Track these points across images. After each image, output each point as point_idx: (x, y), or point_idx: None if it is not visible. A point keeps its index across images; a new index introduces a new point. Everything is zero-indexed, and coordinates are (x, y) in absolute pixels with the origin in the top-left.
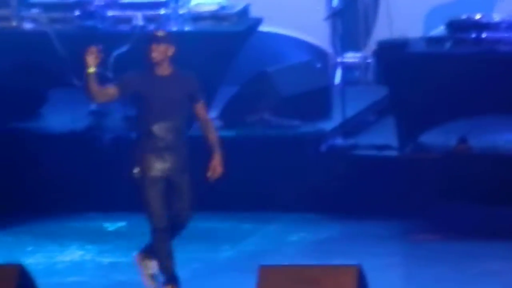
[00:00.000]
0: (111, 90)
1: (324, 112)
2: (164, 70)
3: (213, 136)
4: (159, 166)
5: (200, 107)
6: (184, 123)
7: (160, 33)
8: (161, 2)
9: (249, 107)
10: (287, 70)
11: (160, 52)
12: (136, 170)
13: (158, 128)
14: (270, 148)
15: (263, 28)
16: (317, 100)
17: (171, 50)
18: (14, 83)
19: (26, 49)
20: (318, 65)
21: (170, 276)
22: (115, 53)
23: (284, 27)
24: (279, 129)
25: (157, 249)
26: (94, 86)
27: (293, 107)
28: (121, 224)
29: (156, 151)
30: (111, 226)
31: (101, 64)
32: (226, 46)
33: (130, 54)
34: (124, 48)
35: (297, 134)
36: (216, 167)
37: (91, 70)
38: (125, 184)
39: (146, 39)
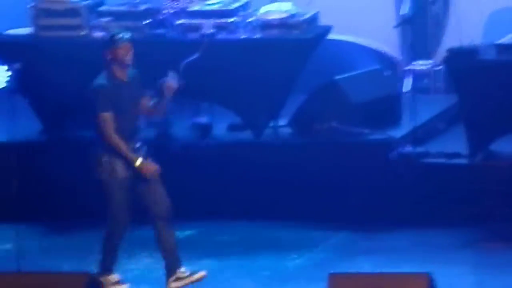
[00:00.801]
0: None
1: (393, 120)
2: (125, 73)
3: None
4: (125, 169)
5: (144, 101)
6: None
7: (124, 35)
8: (230, 10)
9: (318, 115)
10: (356, 78)
11: (129, 53)
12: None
13: (123, 130)
14: (339, 156)
15: (333, 36)
16: (386, 108)
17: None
18: (85, 91)
19: (96, 57)
20: (388, 73)
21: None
22: (185, 61)
23: (353, 35)
24: (348, 137)
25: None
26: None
27: (362, 115)
28: (190, 232)
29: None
30: (180, 234)
31: (171, 72)
32: (295, 54)
33: (200, 62)
34: (193, 56)
35: (366, 142)
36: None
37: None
38: (194, 192)
39: (113, 42)
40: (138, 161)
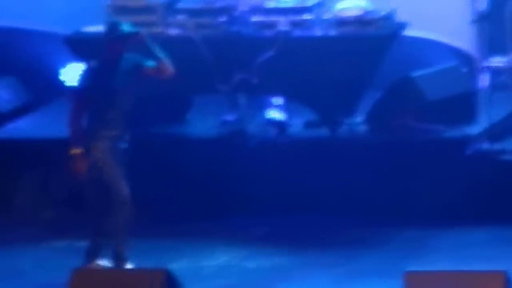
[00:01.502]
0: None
1: (469, 116)
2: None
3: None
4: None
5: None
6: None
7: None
8: (305, 7)
9: (394, 112)
10: (433, 74)
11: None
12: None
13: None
14: (414, 152)
15: (409, 32)
16: (462, 105)
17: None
18: (161, 89)
19: (172, 54)
20: (464, 70)
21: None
22: (260, 58)
23: (429, 31)
24: (423, 134)
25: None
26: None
27: (438, 112)
28: (264, 228)
29: (109, 139)
30: (255, 230)
31: (247, 70)
32: (371, 50)
33: (275, 59)
34: (268, 54)
35: (442, 139)
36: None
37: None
38: (270, 188)
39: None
40: (78, 150)
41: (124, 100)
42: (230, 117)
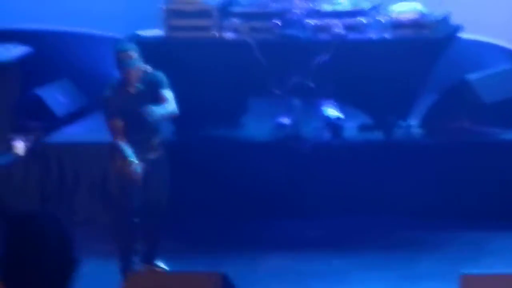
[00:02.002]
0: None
1: None
2: (134, 87)
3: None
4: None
5: (163, 93)
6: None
7: (129, 54)
8: (361, 10)
9: (449, 115)
10: (489, 77)
11: (132, 76)
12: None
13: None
14: (470, 155)
15: (464, 35)
16: None
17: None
18: (216, 92)
19: (227, 58)
20: None
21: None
22: (315, 62)
23: (485, 34)
24: (479, 136)
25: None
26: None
27: (494, 115)
28: (321, 231)
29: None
30: (311, 233)
31: (302, 73)
32: (426, 53)
33: (330, 63)
34: (323, 57)
35: (498, 142)
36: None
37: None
38: (325, 192)
39: (117, 60)
40: (127, 161)
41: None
42: (285, 120)
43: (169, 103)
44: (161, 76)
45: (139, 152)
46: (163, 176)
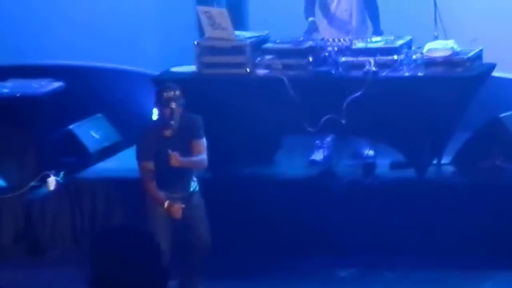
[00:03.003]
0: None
1: None
2: (172, 131)
3: (194, 158)
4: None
5: (196, 144)
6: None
7: (175, 93)
8: (393, 47)
9: (482, 153)
10: None
11: (176, 114)
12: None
13: (165, 172)
14: (504, 195)
15: (497, 73)
16: None
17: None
18: (249, 129)
19: (260, 95)
20: None
21: None
22: (348, 99)
23: None
24: None
25: None
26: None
27: None
28: (353, 269)
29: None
30: (343, 271)
31: (335, 111)
32: (459, 91)
33: (363, 100)
34: (356, 94)
35: None
36: (175, 157)
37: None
38: (358, 230)
39: (160, 101)
40: (165, 204)
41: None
42: (318, 157)
43: (200, 157)
44: (199, 121)
45: (174, 193)
46: (201, 216)
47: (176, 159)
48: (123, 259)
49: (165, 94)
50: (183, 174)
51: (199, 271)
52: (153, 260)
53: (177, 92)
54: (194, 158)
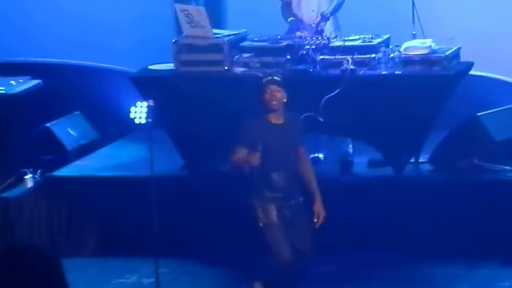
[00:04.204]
0: (245, 155)
1: None
2: (280, 117)
3: (314, 180)
4: (277, 215)
5: (302, 150)
6: (297, 167)
7: (278, 78)
8: (371, 46)
9: (460, 152)
10: (499, 114)
11: (277, 98)
12: (260, 223)
13: (277, 177)
14: (480, 193)
15: (475, 71)
16: None
17: (285, 96)
18: (228, 127)
19: (238, 93)
20: None
21: None
22: (326, 97)
23: (495, 71)
24: (489, 174)
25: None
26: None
27: (505, 152)
28: (330, 267)
29: (275, 201)
30: (321, 269)
31: (312, 109)
32: (436, 90)
33: (341, 98)
34: (334, 92)
35: (509, 179)
36: (319, 212)
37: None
38: (335, 227)
39: (263, 84)
40: (252, 156)
41: (292, 162)
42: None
43: (311, 168)
44: (302, 122)
45: (282, 201)
46: (308, 223)
47: (320, 214)
48: (17, 279)
49: (264, 79)
50: (293, 168)
51: (301, 275)
52: (52, 279)
53: (278, 77)
54: (313, 179)
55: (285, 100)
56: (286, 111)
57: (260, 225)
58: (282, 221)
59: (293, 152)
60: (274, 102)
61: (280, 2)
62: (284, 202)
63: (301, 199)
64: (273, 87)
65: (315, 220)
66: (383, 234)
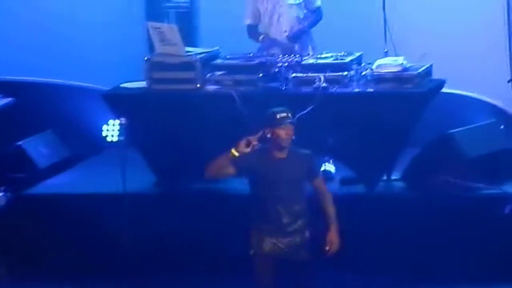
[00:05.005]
0: (230, 169)
1: (509, 174)
2: (284, 153)
3: (331, 209)
4: (271, 247)
5: (318, 183)
6: (303, 205)
7: (288, 114)
8: (343, 63)
9: (432, 169)
10: (471, 131)
11: (289, 135)
12: (251, 252)
13: (275, 212)
14: (453, 210)
15: (447, 89)
16: (502, 162)
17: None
18: (200, 145)
19: (210, 111)
20: (502, 127)
21: None
22: (298, 114)
23: (467, 88)
24: (462, 191)
25: None
26: (223, 163)
27: (477, 169)
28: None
29: (271, 234)
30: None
31: None
32: (409, 107)
33: (313, 116)
34: (306, 110)
35: (481, 197)
36: (333, 240)
37: (235, 154)
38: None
39: (274, 121)
40: (234, 150)
41: (296, 197)
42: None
43: (330, 197)
44: (312, 157)
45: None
46: (308, 258)
47: (333, 244)
48: None
49: (278, 115)
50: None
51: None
52: None
53: (290, 114)
54: (331, 208)
55: (293, 136)
56: (291, 146)
57: (251, 252)
58: (279, 254)
59: (297, 187)
60: (286, 141)
61: (246, 26)
62: (283, 237)
63: (307, 235)
64: (289, 126)
65: (327, 248)
66: (354, 252)
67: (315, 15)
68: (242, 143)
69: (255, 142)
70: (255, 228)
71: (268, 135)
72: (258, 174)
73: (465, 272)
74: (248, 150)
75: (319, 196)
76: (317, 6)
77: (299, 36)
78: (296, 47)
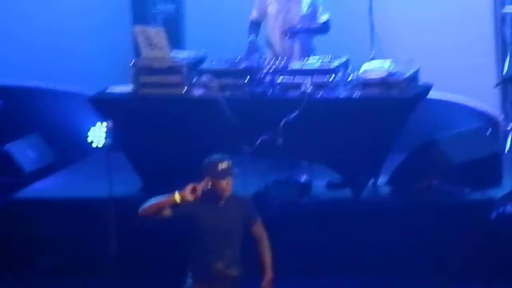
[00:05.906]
0: (167, 212)
1: (494, 179)
2: (223, 201)
3: (268, 258)
4: None
5: (256, 228)
6: (237, 251)
7: (229, 165)
8: (330, 68)
9: (418, 174)
10: (457, 137)
11: (229, 186)
12: None
13: (209, 257)
14: (438, 215)
15: (433, 95)
16: (487, 168)
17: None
18: (186, 149)
19: (197, 115)
20: (488, 132)
21: None
22: (284, 119)
23: (453, 93)
24: (448, 196)
25: None
26: (163, 206)
27: (462, 175)
28: None
29: (204, 279)
30: None
31: (270, 131)
32: (395, 112)
33: (299, 120)
34: (293, 115)
35: (467, 202)
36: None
37: (179, 200)
38: (293, 250)
39: (215, 173)
40: (176, 195)
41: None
42: (253, 178)
43: (267, 243)
44: (250, 201)
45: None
46: None
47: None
48: None
49: (219, 166)
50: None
51: None
52: None
53: (231, 163)
54: (268, 256)
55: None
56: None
57: None
58: None
59: (234, 234)
60: (227, 193)
61: (250, 20)
62: (218, 284)
63: (239, 280)
64: (230, 178)
65: None
66: (341, 256)
67: (322, 24)
68: (188, 189)
69: (199, 191)
70: (189, 274)
71: (209, 186)
72: (196, 221)
73: (451, 277)
74: (192, 197)
75: (256, 242)
76: (324, 20)
77: (298, 33)
78: (296, 47)
